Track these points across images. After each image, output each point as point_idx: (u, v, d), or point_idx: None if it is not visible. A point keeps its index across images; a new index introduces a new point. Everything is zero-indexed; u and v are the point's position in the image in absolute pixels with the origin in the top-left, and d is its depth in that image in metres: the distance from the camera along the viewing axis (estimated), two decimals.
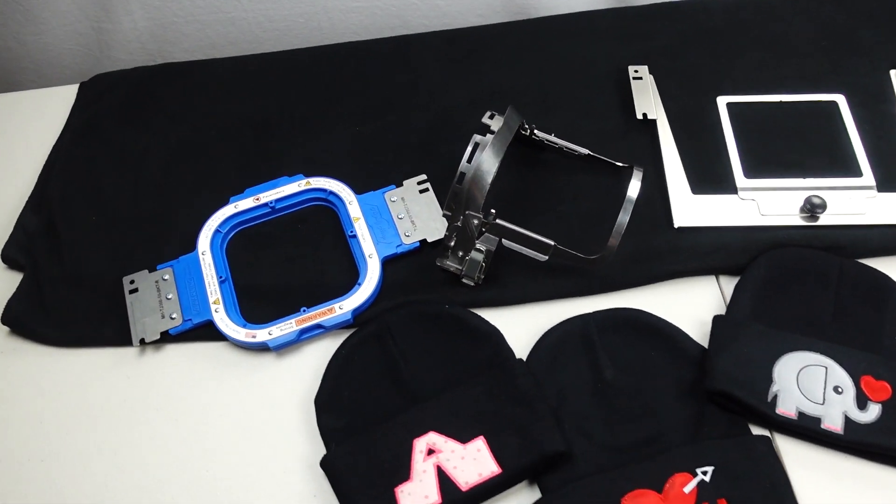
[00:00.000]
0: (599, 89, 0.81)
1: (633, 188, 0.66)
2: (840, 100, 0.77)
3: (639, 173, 0.67)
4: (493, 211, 0.65)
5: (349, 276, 0.70)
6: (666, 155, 0.75)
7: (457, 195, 0.66)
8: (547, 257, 0.66)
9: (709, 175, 0.73)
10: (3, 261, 0.74)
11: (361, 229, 0.71)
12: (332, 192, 0.74)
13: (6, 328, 0.69)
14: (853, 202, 0.70)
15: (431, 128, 0.80)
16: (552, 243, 0.65)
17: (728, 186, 0.72)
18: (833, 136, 0.75)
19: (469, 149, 0.67)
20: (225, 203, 0.74)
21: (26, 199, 0.78)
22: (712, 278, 0.68)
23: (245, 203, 0.74)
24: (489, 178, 0.65)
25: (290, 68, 0.87)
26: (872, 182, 0.71)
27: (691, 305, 0.66)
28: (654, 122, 0.77)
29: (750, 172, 0.73)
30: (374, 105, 0.83)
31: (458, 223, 0.66)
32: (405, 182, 0.74)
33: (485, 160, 0.65)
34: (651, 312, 0.65)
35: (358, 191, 0.74)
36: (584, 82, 0.82)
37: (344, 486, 0.57)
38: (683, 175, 0.73)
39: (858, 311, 0.64)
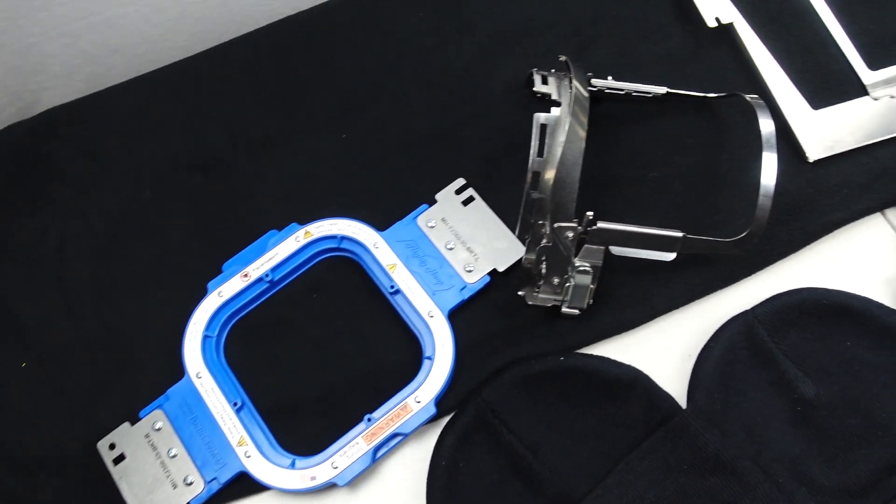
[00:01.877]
0: (647, 1, 0.61)
1: (766, 125, 0.48)
2: None
3: (759, 103, 0.49)
4: (589, 214, 0.46)
5: (409, 350, 0.50)
6: (762, 66, 0.56)
7: (535, 205, 0.47)
8: (675, 254, 0.48)
9: (823, 79, 0.56)
10: None
11: (404, 280, 0.51)
12: (345, 238, 0.53)
13: None
14: None
15: (442, 107, 0.58)
16: (681, 234, 0.47)
17: (851, 87, 0.55)
18: None
19: (535, 136, 0.47)
20: (202, 293, 0.52)
21: None
22: (879, 217, 0.52)
23: (231, 286, 0.52)
24: (577, 174, 0.45)
25: (221, 65, 0.62)
26: None
27: (867, 261, 0.50)
28: (730, 27, 0.58)
29: (874, 61, 0.55)
30: (350, 95, 0.60)
31: (546, 240, 0.47)
32: (438, 195, 0.54)
33: (567, 150, 0.45)
34: (825, 288, 0.49)
35: (379, 225, 0.53)
36: None
37: None
38: (794, 88, 0.55)
39: None
